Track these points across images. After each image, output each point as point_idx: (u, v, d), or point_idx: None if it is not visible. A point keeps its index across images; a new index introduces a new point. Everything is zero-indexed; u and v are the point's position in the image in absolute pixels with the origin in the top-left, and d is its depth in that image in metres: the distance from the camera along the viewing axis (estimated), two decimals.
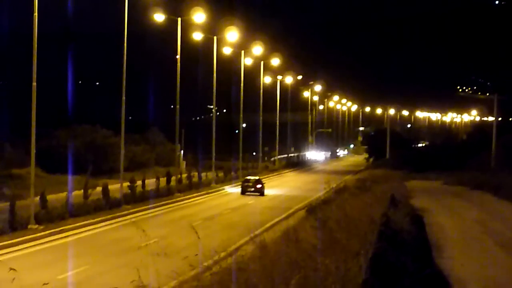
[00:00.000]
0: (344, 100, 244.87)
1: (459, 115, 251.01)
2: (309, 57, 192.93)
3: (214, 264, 30.25)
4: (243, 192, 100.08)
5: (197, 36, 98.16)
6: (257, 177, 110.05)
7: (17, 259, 41.00)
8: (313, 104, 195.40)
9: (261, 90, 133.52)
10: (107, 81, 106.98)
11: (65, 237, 50.43)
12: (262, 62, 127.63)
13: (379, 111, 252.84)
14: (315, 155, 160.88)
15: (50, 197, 58.90)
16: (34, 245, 47.09)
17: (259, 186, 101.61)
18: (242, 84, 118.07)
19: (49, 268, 38.09)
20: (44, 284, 27.44)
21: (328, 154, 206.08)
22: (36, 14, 56.27)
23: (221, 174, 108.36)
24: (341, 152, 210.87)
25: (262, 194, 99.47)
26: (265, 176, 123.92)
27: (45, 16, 58.08)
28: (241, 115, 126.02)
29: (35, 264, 39.87)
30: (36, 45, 56.39)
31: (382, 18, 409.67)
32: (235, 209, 69.97)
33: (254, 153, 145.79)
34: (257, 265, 24.74)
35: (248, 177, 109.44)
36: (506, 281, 32.11)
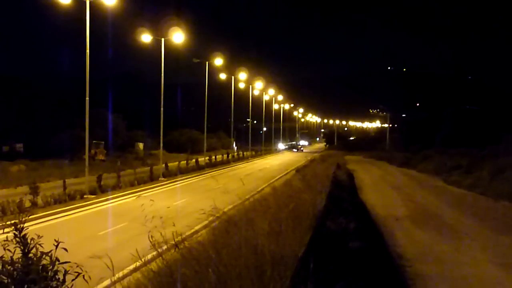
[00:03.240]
0: (314, 116, 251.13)
1: (370, 123, 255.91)
2: (296, 95, 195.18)
3: (250, 197, 30.77)
4: (296, 151, 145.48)
5: (242, 85, 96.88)
6: (300, 145, 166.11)
7: (152, 195, 39.08)
8: (299, 118, 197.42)
9: (273, 112, 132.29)
10: (198, 106, 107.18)
11: (176, 184, 50.32)
12: (273, 98, 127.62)
13: (331, 121, 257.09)
14: (281, 146, 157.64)
15: (170, 164, 58.91)
16: (161, 188, 47.04)
17: (302, 148, 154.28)
18: (263, 109, 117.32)
19: (169, 199, 37.01)
20: (167, 207, 28.68)
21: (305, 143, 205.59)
22: (160, 63, 57.98)
23: (253, 153, 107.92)
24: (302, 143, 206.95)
25: (302, 151, 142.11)
26: (274, 155, 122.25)
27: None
28: (263, 124, 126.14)
29: (162, 197, 38.93)
30: (163, 86, 56.02)
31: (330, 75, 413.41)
32: (261, 170, 67.60)
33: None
34: (271, 197, 23.68)
35: (298, 145, 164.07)
36: (392, 203, 32.83)
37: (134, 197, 38.58)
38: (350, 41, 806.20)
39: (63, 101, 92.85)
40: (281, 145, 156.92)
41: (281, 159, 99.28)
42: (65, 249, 9.08)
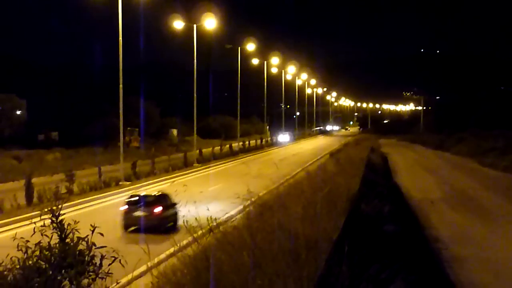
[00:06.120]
0: (347, 100, 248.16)
1: (404, 106, 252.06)
2: (329, 79, 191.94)
3: (284, 181, 31.31)
4: (346, 130, 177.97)
5: (274, 70, 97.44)
6: (346, 129, 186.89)
7: (187, 181, 39.89)
8: (332, 102, 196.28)
9: (306, 96, 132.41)
10: (230, 92, 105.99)
11: (211, 169, 50.43)
12: (306, 82, 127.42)
13: (364, 105, 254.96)
14: (283, 137, 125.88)
15: (203, 150, 59.06)
16: (196, 174, 47.31)
17: (349, 128, 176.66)
18: (296, 93, 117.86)
19: (203, 185, 37.15)
20: (200, 192, 28.83)
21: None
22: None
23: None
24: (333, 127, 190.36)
25: (348, 130, 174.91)
26: (308, 139, 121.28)
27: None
28: (296, 108, 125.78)
29: (196, 183, 39.04)
30: (195, 73, 56.11)
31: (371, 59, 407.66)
32: (294, 155, 66.66)
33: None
34: (305, 181, 24.37)
35: (344, 128, 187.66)
36: (427, 186, 32.50)
37: (169, 183, 38.61)
38: (383, 24, 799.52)
39: (96, 89, 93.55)
40: (283, 136, 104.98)
41: (314, 144, 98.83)
42: (101, 234, 9.21)
